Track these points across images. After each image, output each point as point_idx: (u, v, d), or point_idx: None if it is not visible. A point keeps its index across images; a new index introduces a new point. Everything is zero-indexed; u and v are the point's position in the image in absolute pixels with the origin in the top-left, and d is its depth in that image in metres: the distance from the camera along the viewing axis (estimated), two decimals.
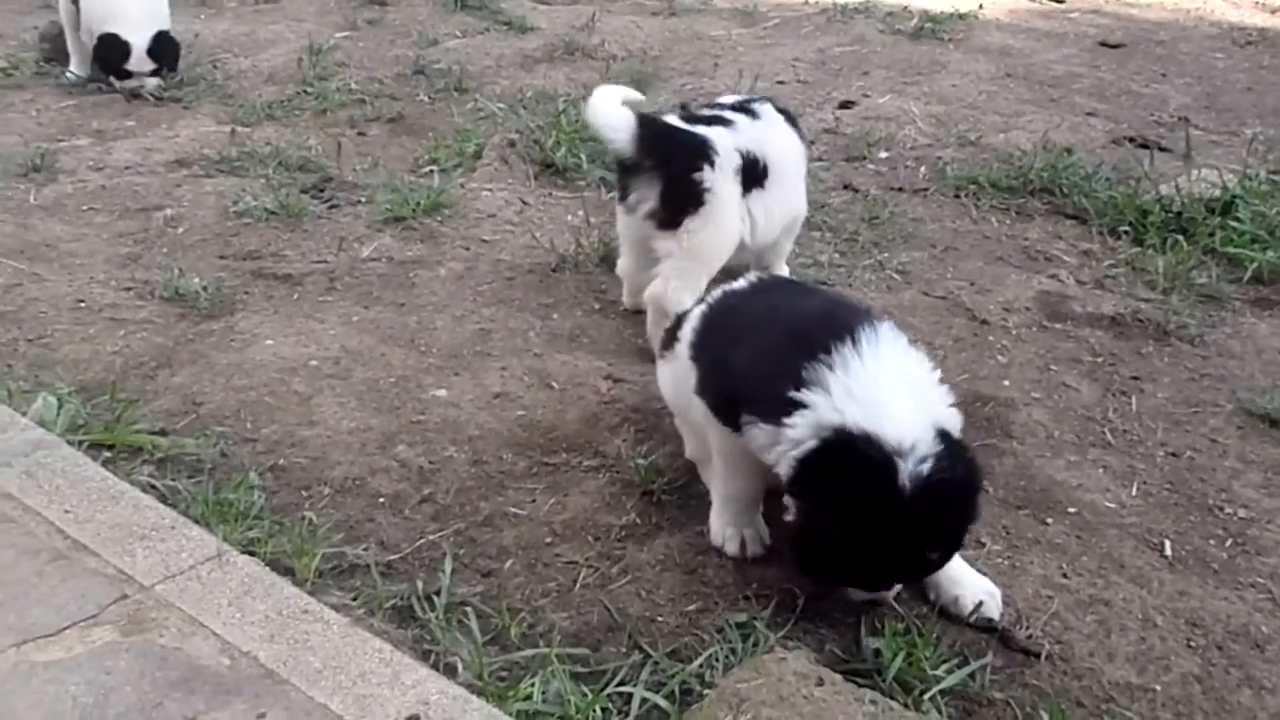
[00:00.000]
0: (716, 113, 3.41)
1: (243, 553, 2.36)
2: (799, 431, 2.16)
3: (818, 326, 2.26)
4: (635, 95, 3.35)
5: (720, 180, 3.20)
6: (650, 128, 3.16)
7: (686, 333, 2.62)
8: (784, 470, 2.22)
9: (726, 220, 3.23)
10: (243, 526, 2.50)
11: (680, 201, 3.18)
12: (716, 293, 2.71)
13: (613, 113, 3.15)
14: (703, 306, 2.67)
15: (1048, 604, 2.43)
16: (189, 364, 3.27)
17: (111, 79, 5.61)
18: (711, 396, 2.45)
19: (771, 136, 3.39)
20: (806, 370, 2.16)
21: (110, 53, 5.53)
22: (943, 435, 2.15)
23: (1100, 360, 3.41)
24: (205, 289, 3.66)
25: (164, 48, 5.61)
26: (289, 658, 2.04)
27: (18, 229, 4.15)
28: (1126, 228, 4.16)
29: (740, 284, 2.69)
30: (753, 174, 3.28)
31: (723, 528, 2.56)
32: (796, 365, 2.18)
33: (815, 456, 2.14)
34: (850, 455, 2.11)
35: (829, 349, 2.17)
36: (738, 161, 3.24)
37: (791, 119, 3.56)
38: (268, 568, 2.32)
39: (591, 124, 3.23)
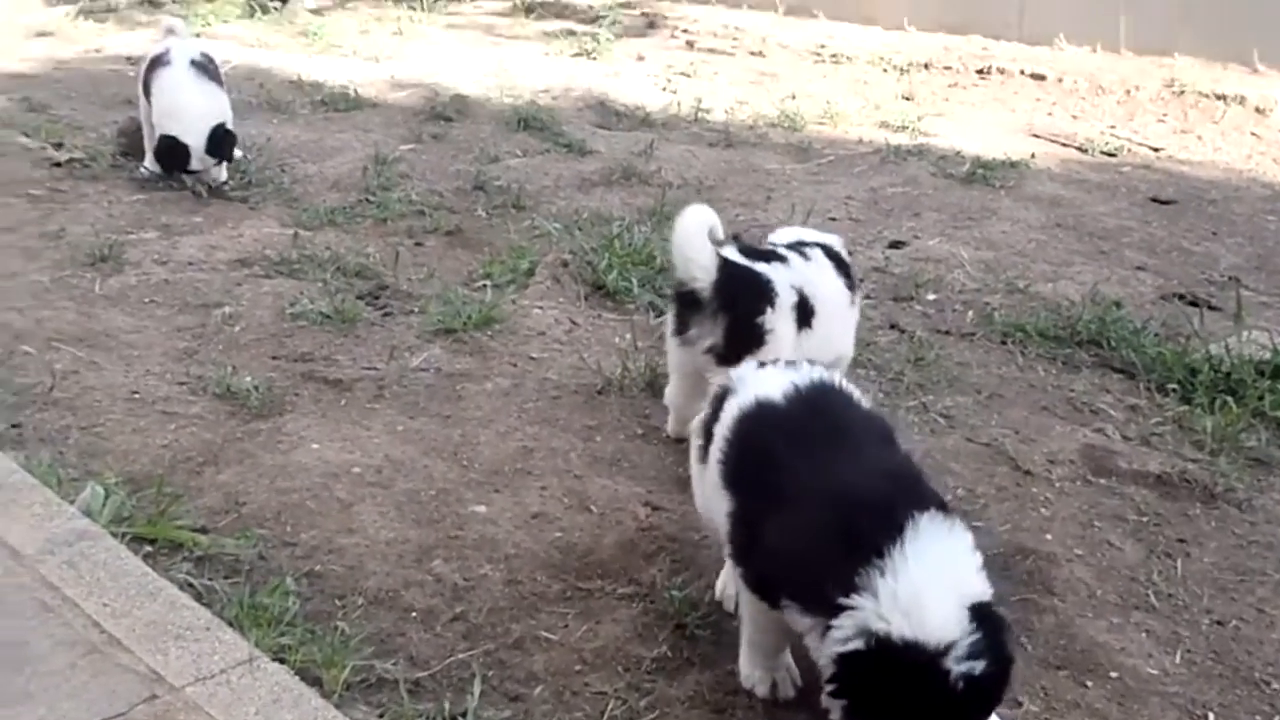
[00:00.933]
0: (772, 248, 3.50)
1: (273, 659, 2.36)
2: (843, 633, 2.11)
3: (868, 516, 2.17)
4: (717, 222, 3.36)
5: (780, 320, 3.28)
6: (724, 270, 3.24)
7: (719, 442, 2.53)
8: (822, 660, 2.17)
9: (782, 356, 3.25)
10: (275, 632, 2.50)
11: (744, 341, 3.23)
12: (753, 395, 2.54)
13: (702, 250, 3.22)
14: (739, 412, 2.53)
15: None
16: (235, 462, 3.31)
17: (192, 183, 5.79)
18: (747, 569, 2.40)
19: (821, 279, 3.46)
20: (858, 576, 2.10)
21: (170, 155, 5.73)
22: (979, 618, 2.09)
23: (1145, 520, 3.36)
24: (256, 388, 3.72)
25: (220, 141, 5.77)
26: None
27: (81, 317, 4.27)
28: (1174, 385, 4.14)
29: (780, 388, 2.52)
30: (804, 312, 3.35)
31: (752, 670, 2.53)
32: (846, 568, 2.12)
33: (858, 659, 2.09)
34: (894, 662, 2.06)
35: (880, 550, 2.10)
36: (794, 299, 3.33)
37: (840, 263, 3.61)
38: (297, 677, 2.31)
39: (679, 253, 3.25)
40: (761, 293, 3.28)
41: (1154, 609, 2.96)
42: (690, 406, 3.35)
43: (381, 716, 2.33)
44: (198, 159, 5.69)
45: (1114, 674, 2.68)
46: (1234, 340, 4.34)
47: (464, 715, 2.34)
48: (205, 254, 4.99)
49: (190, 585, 2.64)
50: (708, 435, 2.65)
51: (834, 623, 2.11)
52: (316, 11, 10.92)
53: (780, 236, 3.75)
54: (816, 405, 2.50)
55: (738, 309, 3.24)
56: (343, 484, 3.22)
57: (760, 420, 2.49)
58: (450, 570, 2.88)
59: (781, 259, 3.42)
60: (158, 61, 5.84)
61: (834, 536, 2.18)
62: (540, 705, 2.44)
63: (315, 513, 3.07)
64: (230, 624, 2.47)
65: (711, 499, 2.59)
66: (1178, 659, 2.77)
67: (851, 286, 3.62)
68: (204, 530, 2.93)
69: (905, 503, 2.18)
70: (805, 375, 2.57)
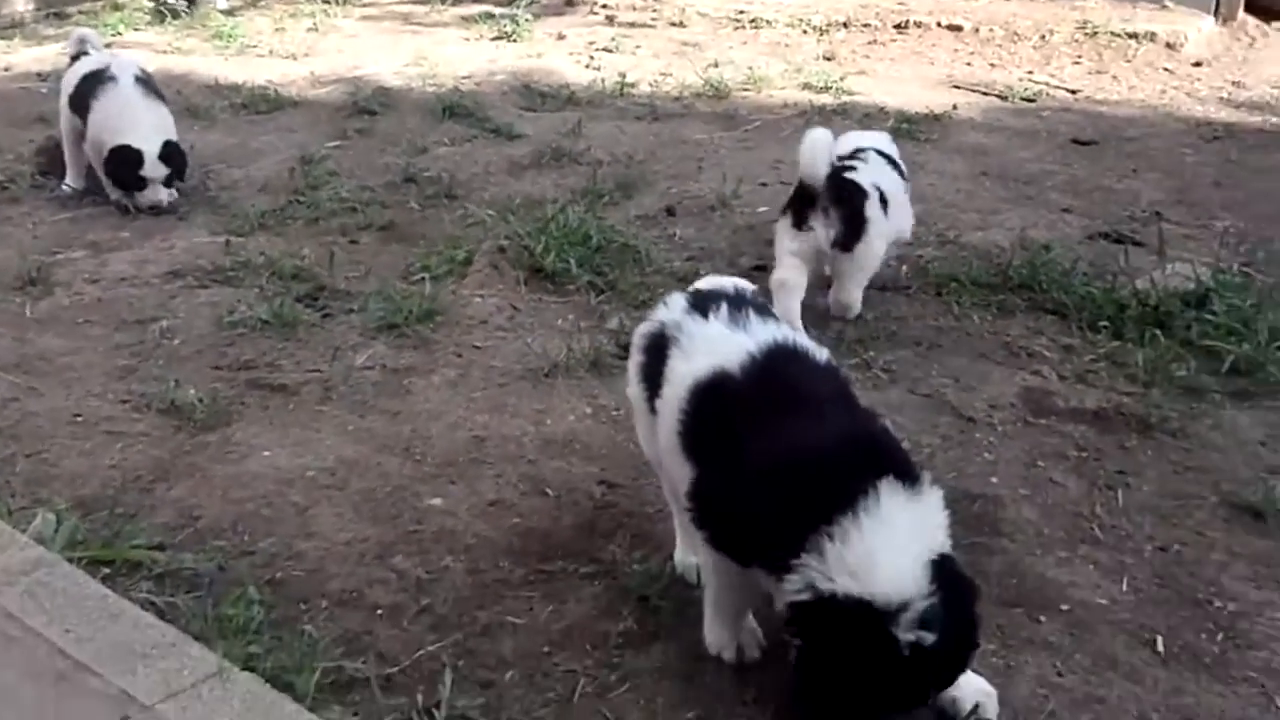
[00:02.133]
0: (854, 161, 4.48)
1: (243, 669, 2.37)
2: (794, 586, 2.15)
3: (821, 481, 2.21)
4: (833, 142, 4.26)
5: (874, 209, 4.31)
6: (835, 175, 4.25)
7: (676, 412, 2.50)
8: (780, 605, 2.23)
9: (881, 240, 4.40)
10: (242, 642, 2.51)
11: (857, 229, 4.27)
12: (708, 365, 2.49)
13: (823, 160, 4.14)
14: (694, 383, 2.48)
15: (1044, 704, 2.46)
16: (186, 477, 3.30)
17: (120, 197, 5.69)
18: (711, 534, 2.41)
19: (885, 176, 4.52)
20: (808, 540, 2.14)
21: (124, 163, 5.59)
22: (938, 576, 2.13)
23: (1085, 455, 3.47)
24: (201, 400, 3.70)
25: (173, 154, 5.68)
26: None
27: (14, 343, 4.21)
28: (1105, 322, 4.25)
29: (735, 355, 2.48)
30: (883, 203, 4.38)
31: (719, 635, 2.58)
32: (797, 531, 2.16)
33: (810, 610, 2.14)
34: (842, 618, 2.10)
35: (829, 516, 2.13)
36: (877, 194, 4.35)
37: (892, 160, 4.67)
38: (268, 684, 2.33)
39: (807, 159, 4.14)
40: (862, 190, 4.30)
41: (1099, 541, 3.06)
42: (796, 280, 4.31)
43: (356, 715, 2.35)
44: (150, 165, 5.58)
45: (1065, 607, 2.78)
46: (1159, 274, 4.46)
47: (437, 707, 2.37)
48: (136, 269, 4.93)
49: (152, 604, 2.64)
50: (650, 382, 2.64)
51: (786, 577, 2.16)
52: (228, 12, 10.73)
53: (843, 143, 4.65)
54: (774, 369, 2.47)
55: (853, 204, 4.25)
56: (297, 489, 3.23)
57: (719, 393, 2.46)
58: (412, 565, 2.90)
59: (854, 167, 4.40)
60: (98, 77, 5.71)
61: (789, 499, 2.21)
62: (512, 689, 2.48)
63: (272, 520, 3.08)
64: (196, 638, 2.47)
65: (668, 461, 2.60)
66: (1124, 587, 2.87)
67: (903, 176, 4.70)
68: (161, 547, 2.92)
69: (863, 467, 2.20)
70: (759, 335, 2.52)
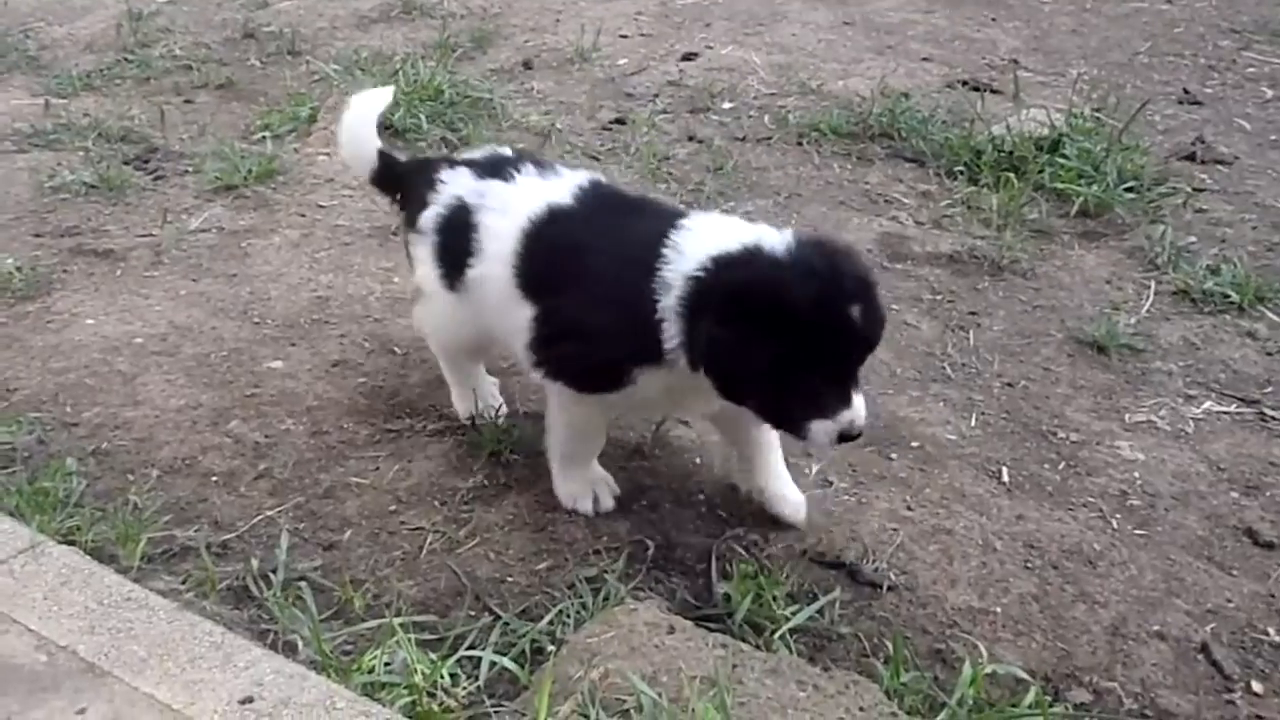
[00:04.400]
0: None
1: (61, 543, 2.22)
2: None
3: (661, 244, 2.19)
4: None
5: None
6: None
7: (508, 245, 2.39)
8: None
9: None
10: (61, 515, 2.36)
11: None
12: (545, 202, 2.42)
13: None
14: (536, 213, 2.40)
15: (893, 537, 2.48)
16: (1, 349, 3.07)
17: None
18: (569, 359, 2.32)
19: None
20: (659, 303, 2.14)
21: None
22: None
23: (939, 297, 3.48)
24: (19, 269, 3.45)
25: None
26: (111, 648, 1.93)
27: None
28: (962, 168, 4.24)
29: (571, 186, 2.46)
30: None
31: (570, 487, 2.53)
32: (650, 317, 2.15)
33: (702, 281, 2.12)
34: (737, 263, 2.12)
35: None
36: None
37: None
38: (88, 556, 2.19)
39: None
40: None
41: (950, 379, 3.08)
42: None
43: (185, 583, 2.24)
44: None
45: (915, 444, 2.80)
46: (1014, 120, 4.45)
47: (275, 570, 2.27)
48: None
49: None
50: (454, 258, 2.52)
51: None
52: None
53: None
54: (598, 199, 2.46)
55: None
56: (124, 356, 3.03)
57: (557, 224, 2.39)
58: (250, 430, 2.76)
59: None
60: None
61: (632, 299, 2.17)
62: (355, 549, 2.40)
63: (96, 389, 2.89)
64: (10, 514, 2.31)
65: (499, 320, 2.47)
66: (973, 422, 2.90)
67: None
68: None
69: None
70: (573, 178, 2.50)
